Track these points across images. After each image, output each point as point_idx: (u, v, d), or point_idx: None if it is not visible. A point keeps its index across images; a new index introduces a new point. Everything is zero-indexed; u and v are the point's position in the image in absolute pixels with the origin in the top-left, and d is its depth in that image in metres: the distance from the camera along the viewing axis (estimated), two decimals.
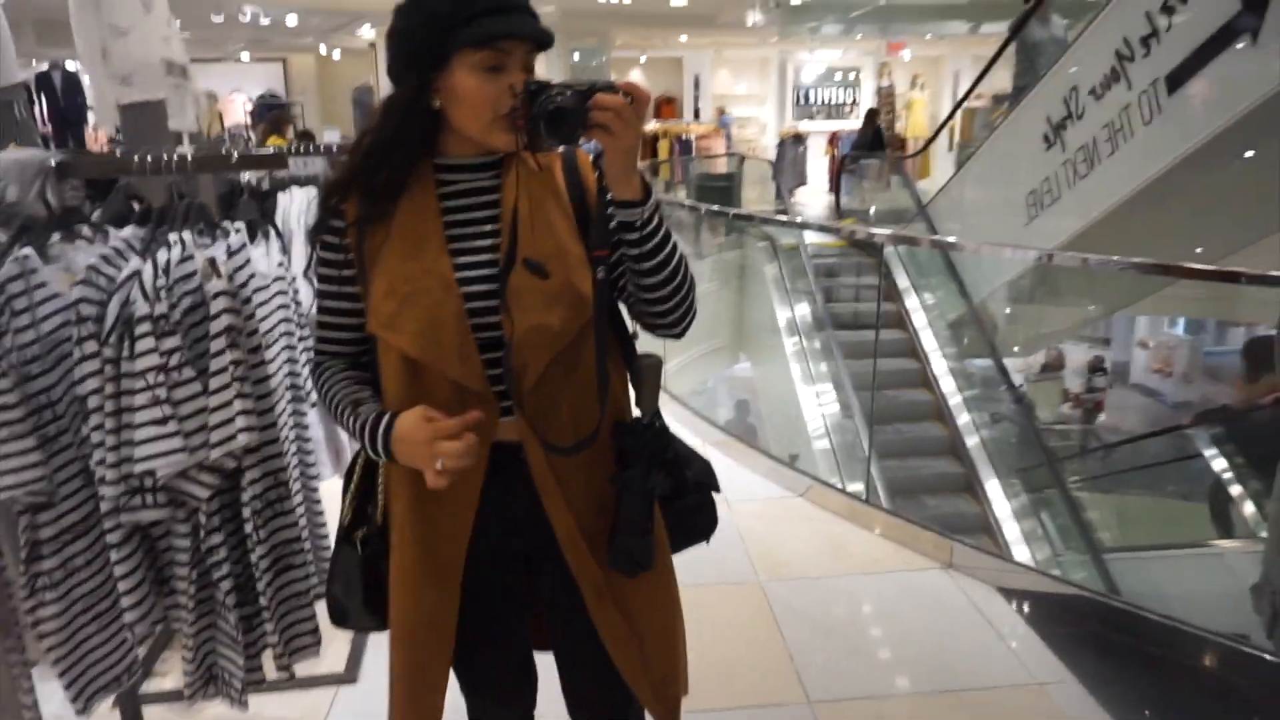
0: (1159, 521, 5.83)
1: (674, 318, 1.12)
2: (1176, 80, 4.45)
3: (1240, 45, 4.02)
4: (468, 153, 1.08)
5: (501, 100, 0.99)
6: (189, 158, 1.41)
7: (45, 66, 9.01)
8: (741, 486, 3.52)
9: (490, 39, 0.99)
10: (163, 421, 1.30)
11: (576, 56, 13.61)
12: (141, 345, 1.31)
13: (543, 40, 1.02)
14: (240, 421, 1.33)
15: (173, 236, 1.39)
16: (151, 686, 2.11)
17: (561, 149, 1.08)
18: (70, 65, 8.86)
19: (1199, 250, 5.18)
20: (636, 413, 1.17)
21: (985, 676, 2.28)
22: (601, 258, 1.04)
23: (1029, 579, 2.81)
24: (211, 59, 13.49)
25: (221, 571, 1.43)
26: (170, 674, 2.18)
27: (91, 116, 8.81)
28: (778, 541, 3.05)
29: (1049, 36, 6.32)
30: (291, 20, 11.97)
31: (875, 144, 10.64)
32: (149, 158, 1.40)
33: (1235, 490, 5.74)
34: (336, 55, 14.89)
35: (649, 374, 1.15)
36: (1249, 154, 4.57)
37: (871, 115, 11.04)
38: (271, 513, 1.47)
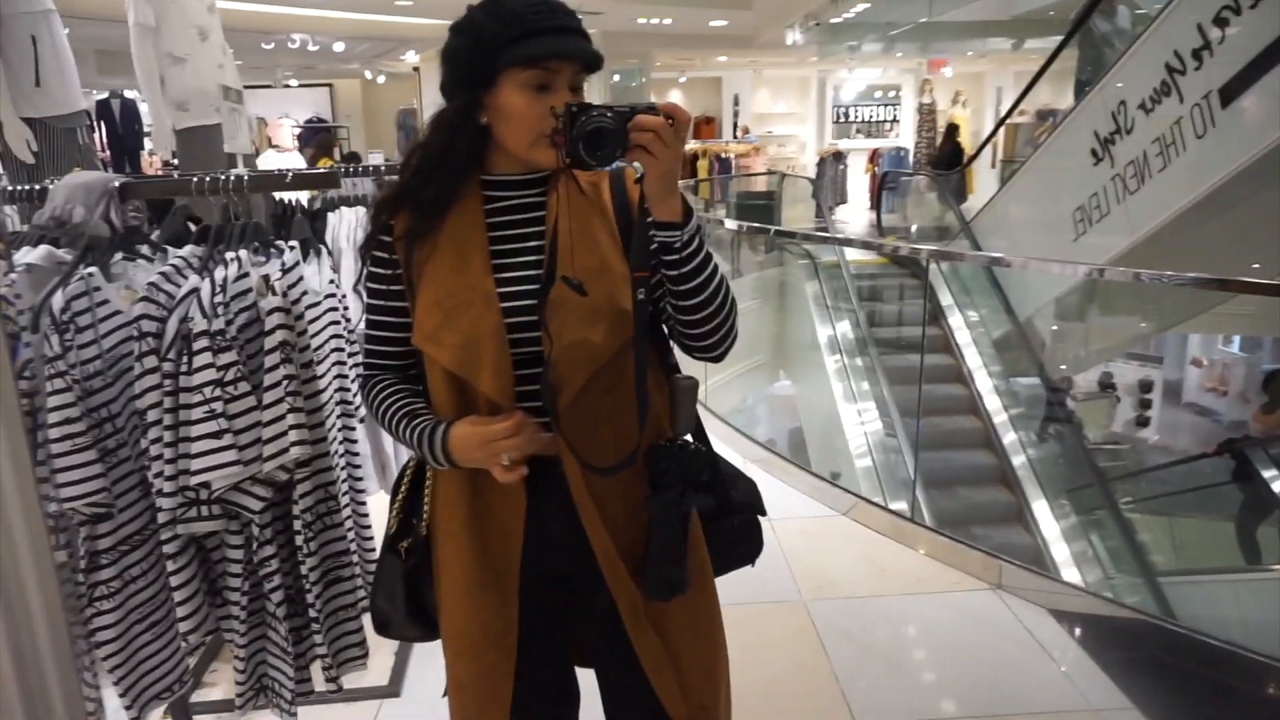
0: (1214, 544, 5.66)
1: (712, 342, 1.11)
2: (1230, 93, 4.36)
3: None
4: (515, 170, 1.10)
5: (547, 119, 1.01)
6: (244, 178, 1.45)
7: (105, 95, 9.35)
8: (784, 504, 3.49)
9: (537, 59, 1.00)
10: (218, 435, 1.33)
11: (617, 77, 13.75)
12: (199, 360, 1.34)
13: (591, 61, 1.04)
14: (293, 435, 1.36)
15: (229, 255, 1.43)
16: (200, 696, 2.15)
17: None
18: (129, 94, 9.18)
19: (1256, 266, 5.06)
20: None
21: (1037, 701, 2.22)
22: (641, 278, 1.03)
23: (1082, 601, 2.74)
24: (260, 85, 13.86)
25: (273, 583, 1.46)
26: (219, 684, 2.22)
27: (148, 142, 9.11)
28: (822, 560, 3.01)
29: (1114, 29, 6.18)
30: (339, 47, 12.27)
31: (955, 159, 10.55)
32: (206, 179, 1.44)
33: None
34: (381, 80, 15.22)
35: (684, 395, 1.14)
36: None
37: (951, 131, 10.96)
38: (321, 525, 1.50)
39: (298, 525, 1.42)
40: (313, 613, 1.46)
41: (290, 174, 1.46)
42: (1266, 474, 5.67)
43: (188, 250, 1.47)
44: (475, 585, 1.12)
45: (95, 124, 9.07)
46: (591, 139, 0.95)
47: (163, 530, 1.39)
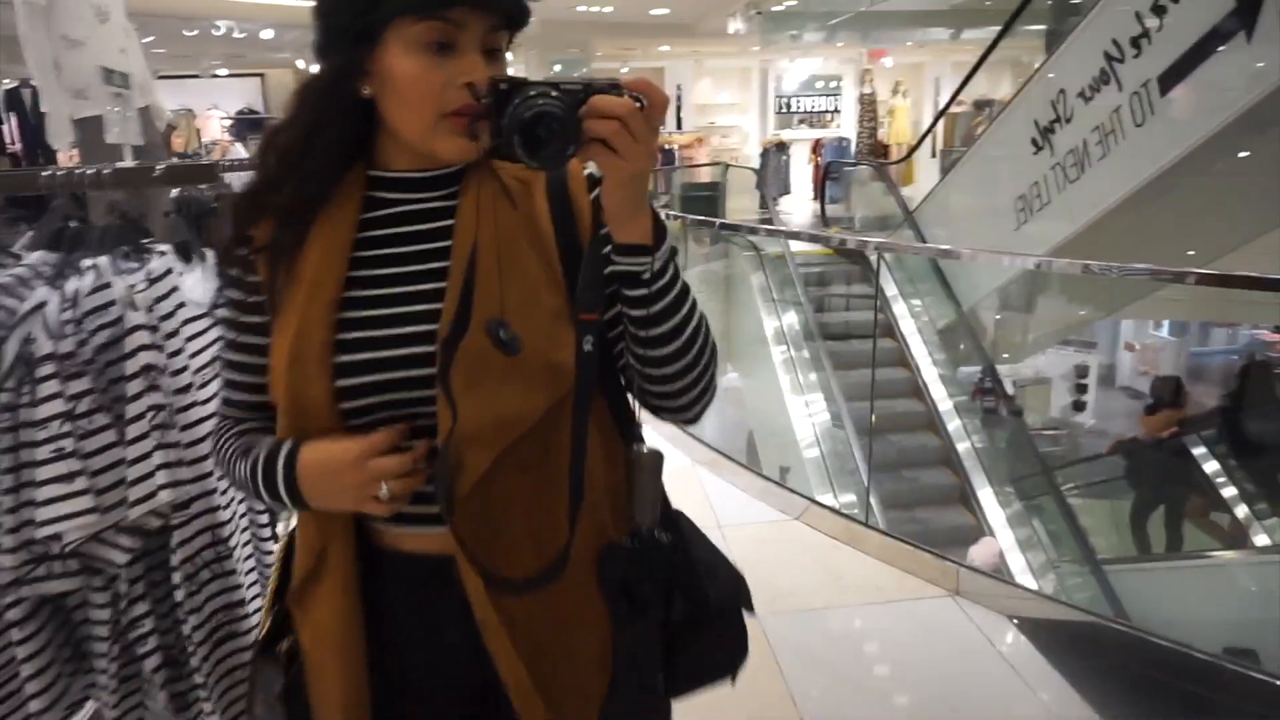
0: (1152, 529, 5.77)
1: (685, 400, 0.84)
2: (1169, 81, 4.37)
3: (1233, 45, 3.94)
4: (410, 164, 0.83)
5: (449, 92, 0.75)
6: (101, 172, 1.23)
7: (15, 84, 8.80)
8: (735, 509, 3.35)
9: (433, 6, 0.74)
10: (69, 478, 1.12)
11: (557, 68, 13.50)
12: (44, 389, 1.13)
13: (511, 13, 0.78)
14: (161, 476, 1.15)
15: (86, 262, 1.21)
16: None
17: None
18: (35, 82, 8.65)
19: (1191, 253, 5.13)
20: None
21: (1000, 715, 2.13)
22: (588, 323, 0.76)
23: (1040, 606, 2.66)
24: (187, 75, 13.28)
25: (148, 645, 1.25)
26: None
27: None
28: (775, 569, 2.88)
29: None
30: (267, 34, 11.81)
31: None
32: (58, 173, 1.23)
33: (1229, 493, 5.69)
34: (315, 69, 14.72)
35: (645, 474, 0.85)
36: (1243, 154, 4.50)
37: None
38: (209, 574, 1.29)
39: (177, 578, 1.22)
40: (198, 677, 1.26)
41: (160, 167, 1.25)
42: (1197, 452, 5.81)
43: (37, 257, 1.24)
44: (324, 710, 0.84)
45: (4, 115, 8.55)
46: (530, 130, 0.68)
47: (4, 593, 1.18)
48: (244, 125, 13.87)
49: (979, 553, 4.37)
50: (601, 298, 0.78)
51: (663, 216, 0.78)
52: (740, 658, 0.95)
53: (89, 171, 1.23)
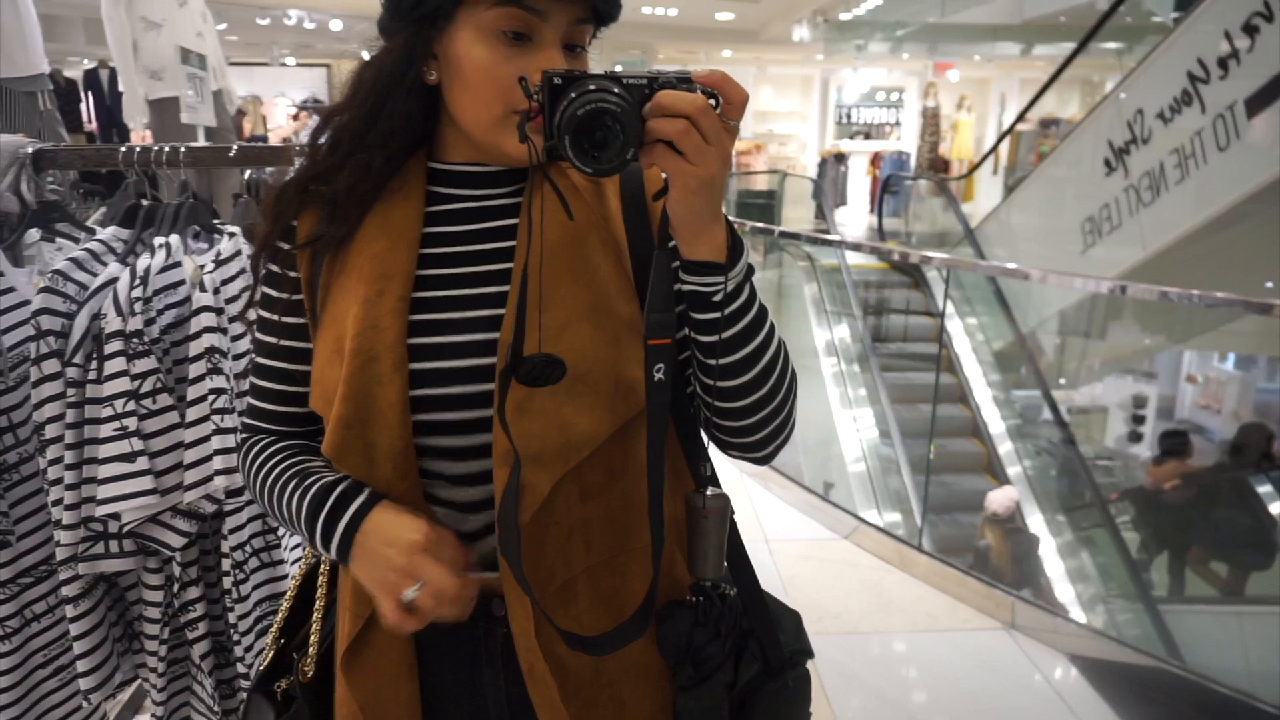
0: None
1: (758, 437, 0.74)
2: (1256, 105, 4.20)
3: None
4: (476, 159, 0.75)
5: (520, 82, 0.65)
6: (180, 150, 1.22)
7: (94, 65, 9.05)
8: (782, 524, 3.28)
9: None
10: (131, 458, 1.11)
11: (618, 69, 13.51)
12: (111, 366, 1.11)
13: (598, 5, 0.70)
14: (218, 461, 1.13)
15: (158, 240, 1.20)
16: None
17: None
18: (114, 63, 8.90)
19: (1269, 284, 4.93)
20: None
21: None
22: (661, 347, 0.67)
23: (1097, 644, 2.55)
24: (257, 63, 13.58)
25: (198, 631, 1.23)
26: None
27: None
28: (823, 589, 2.81)
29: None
30: (336, 25, 12.02)
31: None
32: (136, 150, 1.22)
33: None
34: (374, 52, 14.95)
35: (712, 520, 0.74)
36: None
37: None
38: (257, 563, 1.27)
39: (226, 565, 1.20)
40: (241, 667, 1.24)
41: (235, 148, 1.24)
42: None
43: (109, 233, 1.24)
44: None
45: (83, 95, 8.82)
46: (585, 129, 0.59)
47: (61, 569, 1.17)
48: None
49: (996, 499, 4.36)
50: (674, 319, 0.68)
51: (738, 231, 0.68)
52: (806, 707, 0.85)
53: (165, 149, 1.21)
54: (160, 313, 1.15)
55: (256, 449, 0.80)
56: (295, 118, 13.38)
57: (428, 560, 0.67)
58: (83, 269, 1.17)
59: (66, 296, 1.14)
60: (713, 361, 0.70)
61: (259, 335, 0.80)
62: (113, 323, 1.12)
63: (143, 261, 1.16)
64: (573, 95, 0.60)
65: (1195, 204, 4.61)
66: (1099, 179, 5.35)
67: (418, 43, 0.70)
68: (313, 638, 0.83)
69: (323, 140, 0.76)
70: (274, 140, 10.95)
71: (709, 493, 0.75)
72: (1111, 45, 7.13)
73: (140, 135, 3.46)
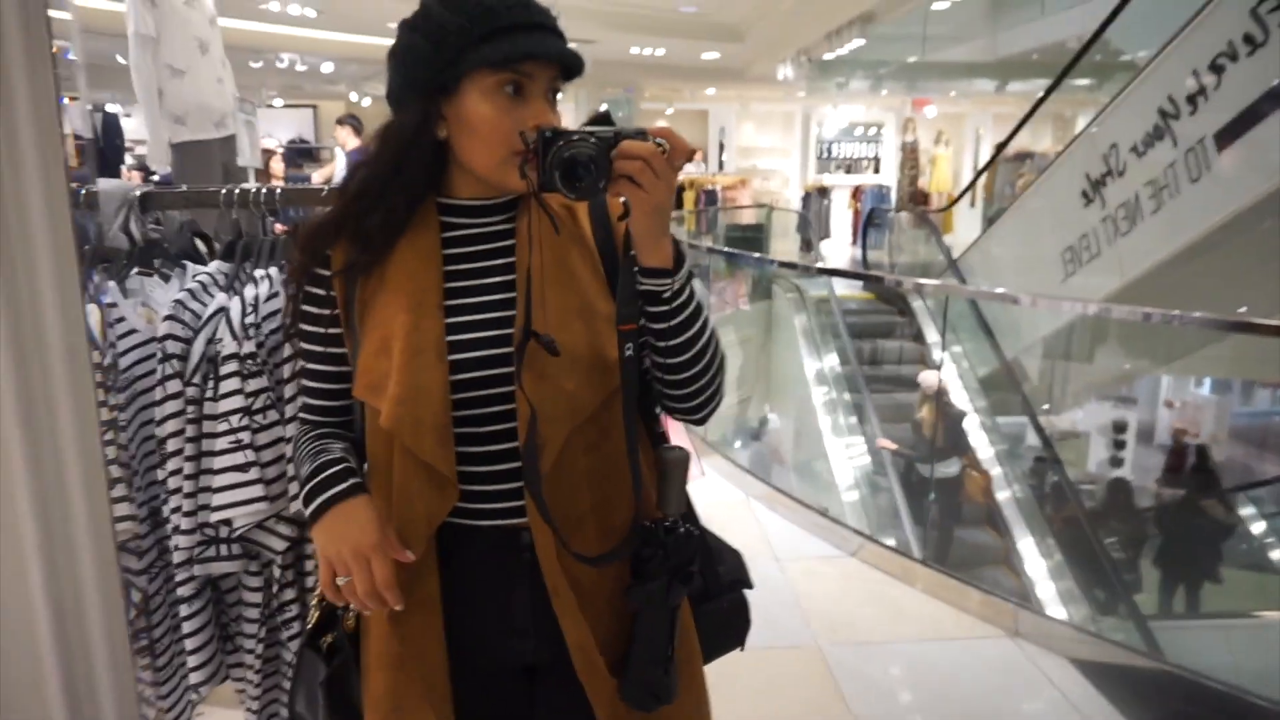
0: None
1: (698, 402, 0.98)
2: (1225, 139, 4.41)
3: None
4: (477, 193, 0.95)
5: (519, 134, 0.88)
6: (276, 192, 1.36)
7: (90, 108, 9.15)
8: (790, 543, 3.41)
9: (511, 59, 0.87)
10: (244, 468, 1.23)
11: (604, 107, 13.78)
12: (226, 385, 1.24)
13: (571, 64, 0.90)
14: None
15: (259, 272, 1.33)
16: None
17: None
18: (110, 107, 9.02)
19: (1242, 310, 5.12)
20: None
21: None
22: (630, 332, 0.90)
23: (1102, 649, 2.67)
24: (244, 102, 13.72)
25: (292, 630, 1.34)
26: None
27: (129, 158, 8.95)
28: (833, 602, 2.93)
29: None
30: (327, 68, 12.23)
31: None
32: (236, 191, 1.35)
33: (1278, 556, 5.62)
34: (366, 103, 15.16)
35: (675, 469, 1.00)
36: None
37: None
38: None
39: (309, 566, 1.31)
40: None
41: (326, 188, 1.37)
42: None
43: (214, 266, 1.37)
44: (402, 702, 0.94)
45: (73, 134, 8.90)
46: (569, 167, 0.83)
47: (178, 570, 1.28)
48: (294, 154, 14.26)
49: (927, 378, 5.37)
50: (638, 311, 0.91)
51: (681, 244, 0.92)
52: (746, 628, 1.11)
53: (263, 190, 1.35)
54: (268, 336, 1.27)
55: (302, 435, 1.01)
56: (283, 158, 13.54)
57: (361, 563, 0.87)
58: (196, 299, 1.30)
59: (185, 324, 1.27)
60: (663, 343, 0.93)
61: (304, 345, 1.00)
62: (228, 346, 1.24)
63: (250, 290, 1.29)
64: (560, 144, 0.84)
65: (1170, 233, 4.80)
66: (1077, 210, 5.55)
67: (432, 109, 0.90)
68: None
69: (354, 188, 0.95)
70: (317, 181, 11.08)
71: (672, 446, 1.02)
72: (1083, 82, 7.44)
73: (127, 175, 3.59)
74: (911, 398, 5.99)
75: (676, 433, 1.62)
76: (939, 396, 5.27)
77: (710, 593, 1.06)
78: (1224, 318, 3.15)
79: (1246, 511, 6.11)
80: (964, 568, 5.28)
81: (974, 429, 5.90)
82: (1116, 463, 11.10)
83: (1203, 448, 6.48)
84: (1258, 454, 9.56)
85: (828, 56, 9.86)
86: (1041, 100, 6.97)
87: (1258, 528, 5.98)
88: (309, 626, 1.02)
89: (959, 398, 6.30)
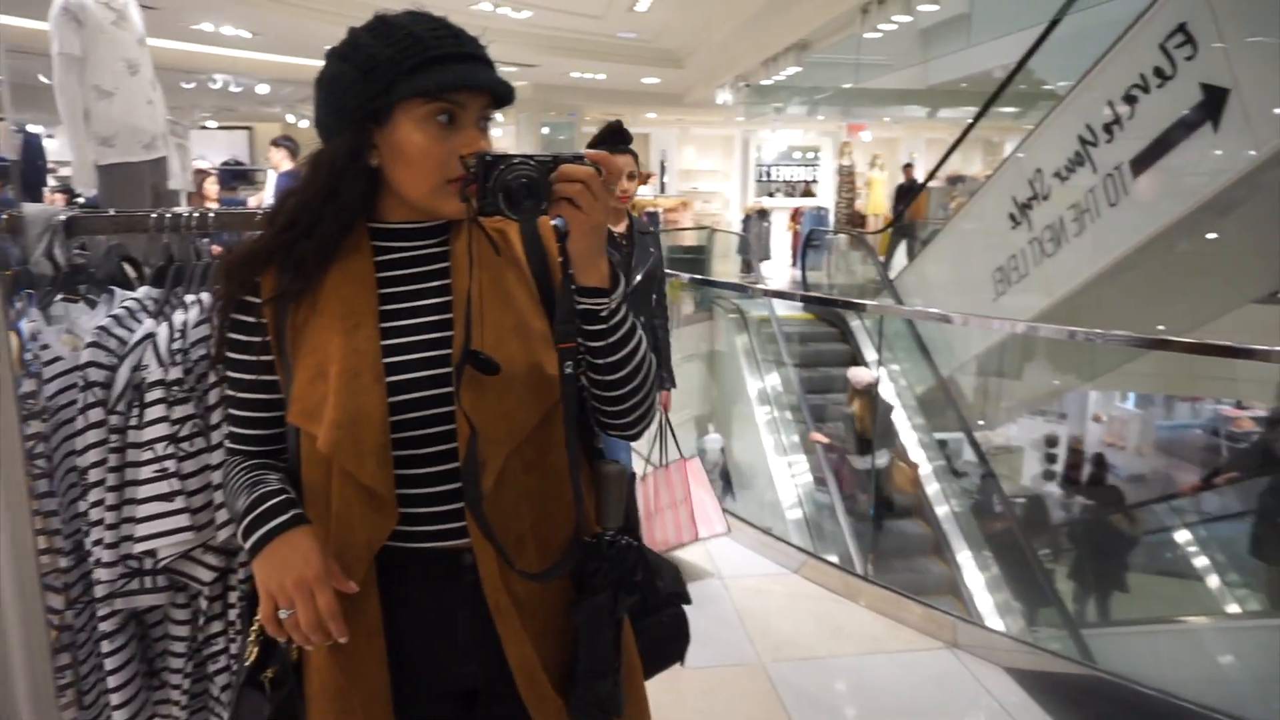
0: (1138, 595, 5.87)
1: (632, 418, 1.00)
2: (1140, 165, 4.61)
3: (1200, 134, 4.18)
4: (409, 218, 0.96)
5: (452, 162, 0.89)
6: (209, 215, 1.33)
7: (15, 128, 8.84)
8: (735, 561, 3.42)
9: (443, 89, 0.88)
10: (169, 496, 1.20)
11: (546, 130, 13.84)
12: (151, 413, 1.21)
13: (501, 94, 0.92)
14: None
15: (190, 297, 1.30)
16: None
17: None
18: (31, 128, 8.73)
19: (1160, 328, 5.33)
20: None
21: None
22: (568, 349, 0.92)
23: (1039, 659, 2.74)
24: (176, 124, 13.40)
25: (219, 664, 1.30)
26: None
27: (51, 180, 8.66)
28: (777, 619, 2.95)
29: None
30: (262, 89, 12.03)
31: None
32: (166, 216, 1.33)
33: (1200, 563, 5.83)
34: (304, 125, 14.95)
35: (613, 483, 1.02)
36: (1211, 236, 4.74)
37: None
38: None
39: (232, 598, 1.28)
40: None
41: (260, 211, 1.35)
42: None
43: (142, 292, 1.33)
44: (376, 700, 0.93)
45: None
46: (511, 190, 0.85)
47: (100, 605, 1.24)
48: (229, 176, 13.99)
49: (859, 374, 5.52)
50: (576, 329, 0.93)
51: (616, 265, 0.95)
52: (685, 644, 1.12)
53: (195, 214, 1.33)
54: (196, 363, 1.25)
55: (232, 466, 0.99)
56: (211, 178, 13.24)
57: (305, 594, 0.86)
58: (122, 325, 1.27)
59: (109, 350, 1.24)
60: (600, 360, 0.95)
61: (232, 374, 0.98)
62: (154, 372, 1.21)
63: (179, 315, 1.26)
64: (502, 167, 0.86)
65: (1093, 254, 4.98)
66: (1006, 232, 5.73)
67: (364, 138, 0.90)
68: None
69: (285, 216, 0.94)
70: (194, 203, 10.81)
71: (607, 462, 1.04)
72: (1009, 110, 7.72)
73: (49, 198, 3.48)
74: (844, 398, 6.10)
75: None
76: (868, 391, 5.42)
77: (650, 607, 1.08)
78: (1144, 336, 3.28)
79: (1170, 521, 6.32)
80: (898, 556, 5.42)
81: (901, 422, 6.04)
82: (1049, 475, 11.44)
83: (1100, 456, 6.72)
84: (1179, 464, 9.94)
85: (765, 82, 10.07)
86: (970, 127, 7.21)
87: (1181, 536, 6.20)
88: (247, 664, 0.98)
89: (896, 415, 6.44)
